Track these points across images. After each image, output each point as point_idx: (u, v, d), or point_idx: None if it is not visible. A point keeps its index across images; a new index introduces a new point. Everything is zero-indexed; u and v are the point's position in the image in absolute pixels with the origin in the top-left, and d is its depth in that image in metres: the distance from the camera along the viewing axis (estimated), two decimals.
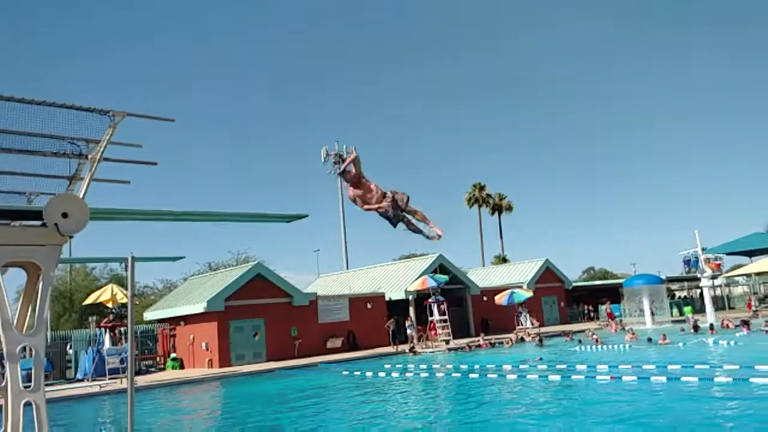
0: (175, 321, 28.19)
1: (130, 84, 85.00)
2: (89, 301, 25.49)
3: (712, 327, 25.49)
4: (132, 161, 5.08)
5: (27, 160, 4.69)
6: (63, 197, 4.48)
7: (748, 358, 15.25)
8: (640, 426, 9.13)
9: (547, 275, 41.31)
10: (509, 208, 62.62)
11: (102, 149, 4.72)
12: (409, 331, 28.15)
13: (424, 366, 20.32)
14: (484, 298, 35.65)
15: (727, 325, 26.59)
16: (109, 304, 24.19)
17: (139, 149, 5.08)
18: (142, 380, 21.35)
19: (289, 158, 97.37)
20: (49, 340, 25.10)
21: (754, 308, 36.07)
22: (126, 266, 6.79)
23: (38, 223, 4.39)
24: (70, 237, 4.45)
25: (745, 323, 25.78)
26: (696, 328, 25.95)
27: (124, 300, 23.68)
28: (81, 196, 4.65)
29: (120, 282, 35.15)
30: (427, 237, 6.29)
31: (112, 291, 24.09)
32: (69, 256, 15.78)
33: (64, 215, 4.31)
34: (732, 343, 20.51)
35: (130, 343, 5.11)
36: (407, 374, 18.67)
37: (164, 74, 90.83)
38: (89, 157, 4.75)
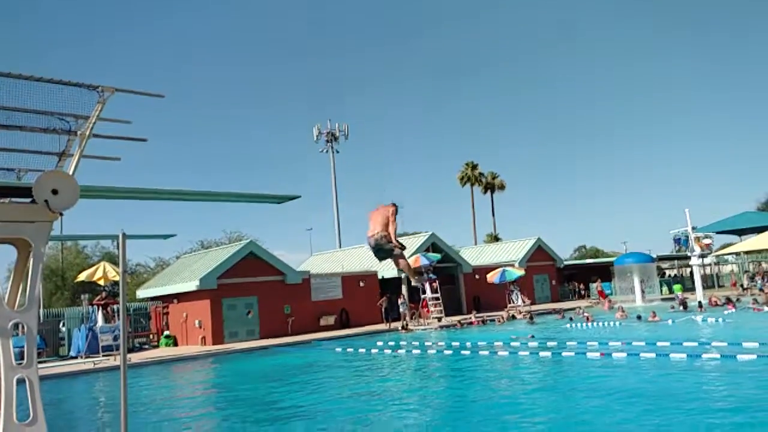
0: (167, 299, 28.22)
1: (118, 61, 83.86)
2: (81, 278, 25.47)
3: (700, 305, 25.84)
4: (121, 137, 5.02)
5: (16, 136, 4.62)
6: (52, 174, 4.44)
7: (736, 335, 15.49)
8: (630, 401, 9.27)
9: (539, 254, 41.53)
10: (502, 187, 62.71)
11: (91, 125, 4.66)
12: (401, 309, 28.36)
13: (416, 343, 20.49)
14: (476, 276, 35.84)
15: (715, 302, 26.95)
16: (101, 282, 24.18)
17: (128, 125, 5.02)
18: (135, 357, 21.44)
19: (282, 135, 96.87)
20: (41, 318, 25.10)
21: (745, 286, 36.38)
22: (117, 244, 6.74)
23: (28, 200, 4.35)
24: (61, 214, 4.42)
25: (730, 301, 26.17)
26: (685, 305, 26.27)
27: (116, 278, 23.66)
28: (71, 172, 4.61)
29: (112, 260, 35.08)
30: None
31: (104, 269, 24.08)
32: (60, 234, 15.66)
33: (54, 192, 4.27)
34: (720, 320, 20.81)
35: (122, 320, 5.11)
36: (399, 351, 18.84)
37: (153, 48, 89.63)
38: (78, 133, 4.68)
